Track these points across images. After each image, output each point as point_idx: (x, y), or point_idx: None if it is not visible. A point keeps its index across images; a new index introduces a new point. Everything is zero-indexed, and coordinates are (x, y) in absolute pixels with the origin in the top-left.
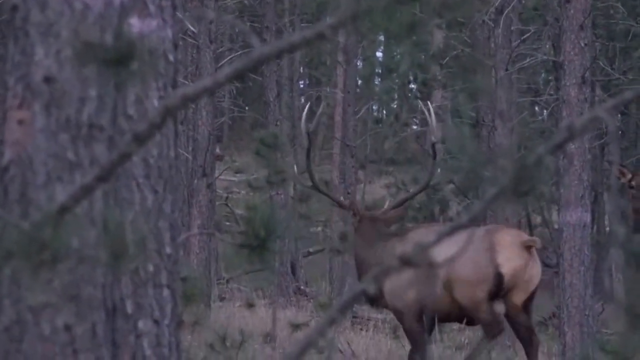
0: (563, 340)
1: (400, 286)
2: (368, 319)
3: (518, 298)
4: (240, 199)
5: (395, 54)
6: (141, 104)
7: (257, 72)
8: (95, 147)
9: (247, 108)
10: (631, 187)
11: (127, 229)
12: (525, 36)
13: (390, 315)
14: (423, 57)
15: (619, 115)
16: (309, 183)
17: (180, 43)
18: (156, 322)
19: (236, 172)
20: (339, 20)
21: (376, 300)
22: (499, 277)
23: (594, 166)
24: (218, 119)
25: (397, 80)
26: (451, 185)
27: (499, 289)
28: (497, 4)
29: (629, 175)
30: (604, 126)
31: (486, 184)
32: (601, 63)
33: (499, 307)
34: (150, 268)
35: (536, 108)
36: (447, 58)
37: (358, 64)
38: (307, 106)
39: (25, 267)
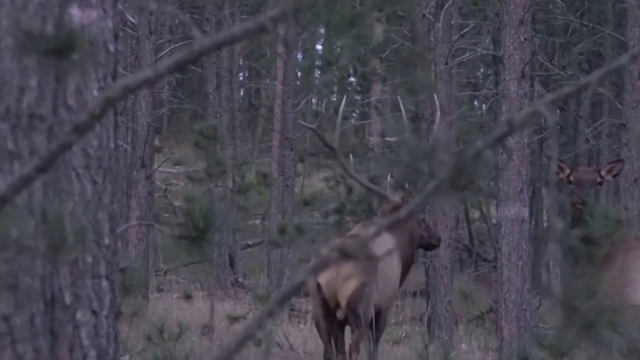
0: (500, 335)
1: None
2: (306, 312)
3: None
4: (179, 190)
5: (335, 47)
6: (81, 94)
7: (197, 64)
8: (35, 137)
9: (186, 100)
10: (570, 182)
11: (66, 220)
12: (465, 30)
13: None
14: (363, 50)
15: (558, 111)
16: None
17: (120, 34)
18: (94, 313)
19: (175, 164)
20: (280, 12)
21: None
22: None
23: (532, 161)
24: (157, 111)
25: (336, 74)
26: (390, 179)
27: None
28: None
29: (568, 171)
30: (543, 121)
31: (425, 178)
32: (540, 58)
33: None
34: (89, 259)
35: (475, 102)
36: (387, 52)
37: (298, 56)
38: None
39: None
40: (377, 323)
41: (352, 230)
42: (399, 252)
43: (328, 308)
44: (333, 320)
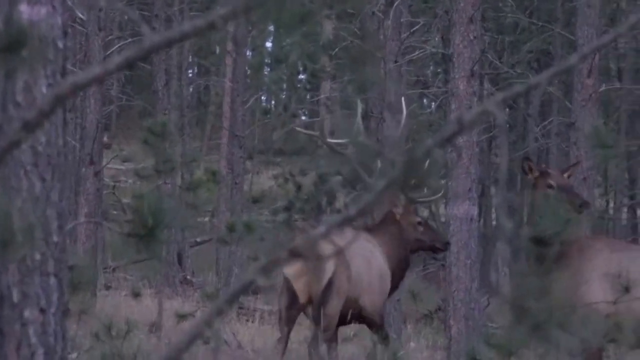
0: (449, 334)
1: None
2: (254, 310)
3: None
4: (127, 187)
5: (284, 44)
6: (30, 91)
7: (146, 61)
8: None
9: (135, 96)
10: (550, 187)
11: (15, 217)
12: (414, 28)
13: (276, 307)
14: (312, 47)
15: (507, 109)
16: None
17: (70, 30)
18: (42, 310)
19: (124, 161)
20: (230, 10)
21: None
22: None
23: (481, 160)
24: (106, 107)
25: (286, 71)
26: (339, 177)
27: None
28: None
29: (537, 173)
30: (492, 120)
31: (374, 176)
32: (490, 56)
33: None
34: (37, 256)
35: (425, 100)
36: (337, 49)
37: (247, 53)
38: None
39: None
40: (366, 321)
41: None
42: (384, 255)
43: (293, 301)
44: (296, 313)
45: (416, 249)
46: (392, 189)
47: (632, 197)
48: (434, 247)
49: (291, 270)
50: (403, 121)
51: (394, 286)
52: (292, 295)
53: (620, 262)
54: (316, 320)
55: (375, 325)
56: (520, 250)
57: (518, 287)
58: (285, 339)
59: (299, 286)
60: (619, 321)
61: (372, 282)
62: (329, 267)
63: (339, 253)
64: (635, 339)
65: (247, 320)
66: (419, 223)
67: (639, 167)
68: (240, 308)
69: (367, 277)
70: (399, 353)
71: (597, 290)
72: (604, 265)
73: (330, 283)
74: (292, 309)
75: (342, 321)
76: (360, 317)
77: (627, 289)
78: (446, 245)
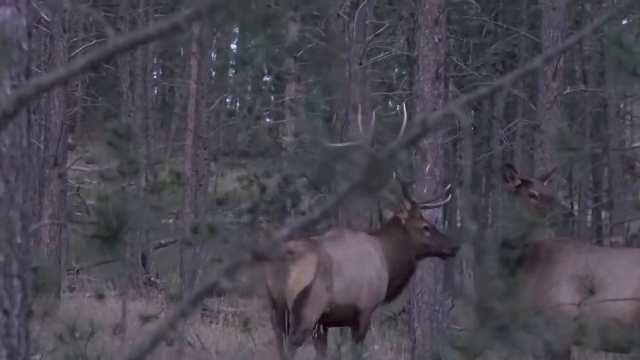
0: (413, 336)
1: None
2: (218, 312)
3: None
4: (92, 189)
5: (249, 46)
6: None
7: (111, 63)
8: None
9: (100, 98)
10: (533, 197)
11: None
12: (380, 31)
13: (241, 309)
14: (278, 50)
15: (472, 112)
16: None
17: (34, 32)
18: (6, 312)
19: (88, 163)
20: (195, 12)
21: None
22: None
23: (446, 162)
24: (71, 109)
25: (251, 73)
26: (304, 179)
27: None
28: None
29: (518, 181)
30: (457, 122)
31: (339, 178)
32: (455, 59)
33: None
34: (1, 258)
35: (390, 103)
36: (302, 51)
37: (212, 55)
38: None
39: None
40: (357, 323)
41: (327, 234)
42: (385, 260)
43: (277, 306)
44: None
45: (423, 255)
46: (356, 192)
47: (596, 200)
48: (442, 252)
49: (269, 276)
50: (373, 124)
51: (395, 291)
52: (274, 302)
53: (588, 264)
54: (297, 323)
55: (359, 326)
56: (484, 253)
57: (482, 289)
58: (279, 342)
59: (276, 292)
60: (584, 323)
61: (365, 286)
62: (308, 275)
63: (301, 257)
64: (599, 341)
65: (212, 323)
66: (426, 228)
67: (604, 169)
68: (205, 310)
69: (363, 282)
70: (363, 356)
71: (565, 293)
72: (571, 267)
73: (306, 291)
74: (280, 313)
75: (338, 325)
76: (355, 320)
77: (592, 292)
78: (454, 250)
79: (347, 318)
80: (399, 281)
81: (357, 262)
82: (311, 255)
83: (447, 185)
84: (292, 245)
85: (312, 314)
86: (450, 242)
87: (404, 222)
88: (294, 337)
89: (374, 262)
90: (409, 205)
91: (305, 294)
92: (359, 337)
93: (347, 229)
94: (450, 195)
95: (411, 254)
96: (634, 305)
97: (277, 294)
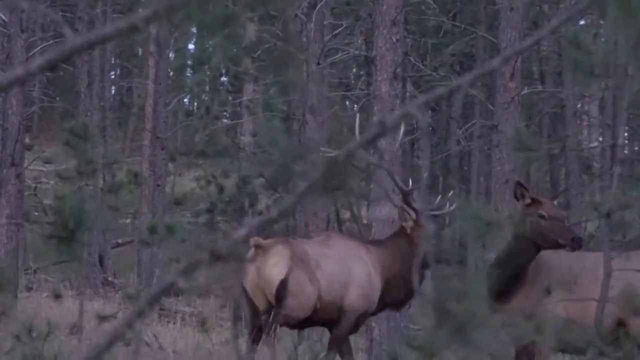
0: (370, 335)
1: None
2: (175, 312)
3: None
4: (49, 189)
5: (207, 46)
6: None
7: (69, 62)
8: None
9: (57, 98)
10: (542, 217)
11: None
12: (337, 31)
13: (198, 309)
14: (235, 49)
15: (430, 112)
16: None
17: None
18: None
19: (45, 162)
20: (152, 12)
21: None
22: None
23: (404, 162)
24: (28, 109)
25: (208, 73)
26: (261, 179)
27: None
28: None
29: (528, 200)
30: (415, 122)
31: (296, 178)
32: (412, 59)
33: None
34: None
35: (347, 103)
36: (259, 51)
37: (170, 55)
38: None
39: None
40: (340, 324)
41: (317, 237)
42: (379, 267)
43: (254, 307)
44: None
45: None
46: (314, 192)
47: (553, 200)
48: (445, 259)
49: (248, 283)
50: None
51: (403, 299)
52: (250, 301)
53: (572, 268)
54: (274, 317)
55: (339, 325)
56: (442, 253)
57: (440, 289)
58: (253, 343)
59: (252, 290)
60: (540, 323)
61: (352, 286)
62: (281, 267)
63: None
64: (555, 341)
65: (169, 322)
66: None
67: (561, 169)
68: (162, 310)
69: (349, 281)
70: (320, 355)
71: (557, 297)
72: (559, 272)
73: (284, 282)
74: (255, 316)
75: (329, 326)
76: (338, 321)
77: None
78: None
79: (332, 318)
80: (396, 291)
81: (338, 260)
82: (283, 249)
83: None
84: (262, 241)
85: (297, 305)
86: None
87: (409, 230)
88: (272, 333)
89: (364, 265)
90: (413, 214)
91: (283, 285)
92: (334, 337)
93: (337, 234)
94: (455, 203)
95: (416, 262)
96: (614, 309)
97: (255, 292)
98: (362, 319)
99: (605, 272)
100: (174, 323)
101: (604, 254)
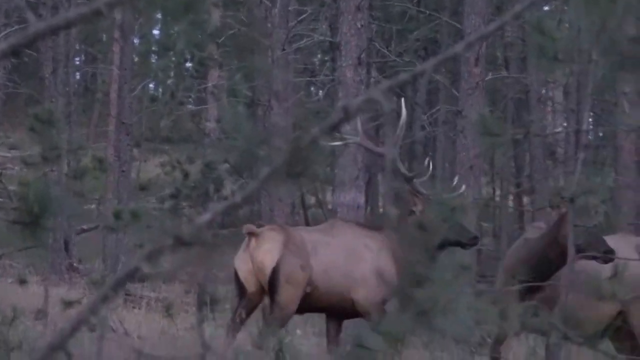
0: None
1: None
2: (141, 297)
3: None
4: (14, 175)
5: (172, 32)
6: None
7: (33, 48)
8: None
9: (22, 84)
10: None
11: None
12: (302, 17)
13: (163, 294)
14: (200, 35)
15: (394, 97)
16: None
17: None
18: None
19: (10, 148)
20: None
21: None
22: None
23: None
24: None
25: (173, 59)
26: (226, 165)
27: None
28: None
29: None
30: (379, 108)
31: (261, 164)
32: (377, 45)
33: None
34: None
35: (312, 88)
36: (224, 37)
37: (134, 41)
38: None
39: None
40: (362, 316)
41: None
42: (392, 255)
43: (242, 291)
44: (248, 304)
45: (442, 245)
46: (277, 177)
47: (518, 185)
48: (461, 242)
49: (237, 261)
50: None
51: None
52: (241, 286)
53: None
54: (273, 306)
55: (370, 317)
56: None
57: (404, 274)
58: (235, 328)
59: (245, 275)
60: (504, 308)
61: (366, 276)
62: (274, 253)
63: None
64: (518, 326)
65: (134, 308)
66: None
67: (525, 155)
68: (127, 295)
69: (358, 271)
70: (284, 340)
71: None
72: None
73: (275, 271)
74: (243, 299)
75: (339, 316)
76: (355, 311)
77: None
78: (474, 240)
79: (344, 308)
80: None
81: (341, 249)
82: (276, 235)
83: (367, 171)
84: (255, 229)
85: (289, 293)
86: (469, 232)
87: (418, 215)
88: (273, 316)
89: (378, 255)
90: (421, 199)
91: (275, 272)
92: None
93: (341, 222)
94: (464, 187)
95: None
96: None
97: (247, 277)
98: (386, 302)
99: (569, 258)
100: (139, 308)
101: (568, 239)
